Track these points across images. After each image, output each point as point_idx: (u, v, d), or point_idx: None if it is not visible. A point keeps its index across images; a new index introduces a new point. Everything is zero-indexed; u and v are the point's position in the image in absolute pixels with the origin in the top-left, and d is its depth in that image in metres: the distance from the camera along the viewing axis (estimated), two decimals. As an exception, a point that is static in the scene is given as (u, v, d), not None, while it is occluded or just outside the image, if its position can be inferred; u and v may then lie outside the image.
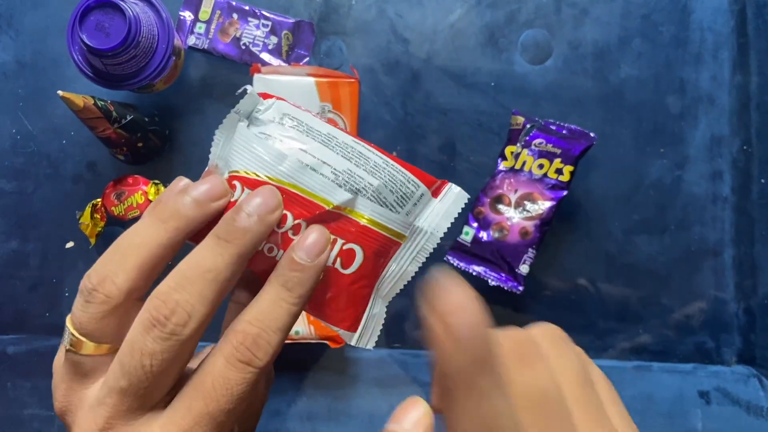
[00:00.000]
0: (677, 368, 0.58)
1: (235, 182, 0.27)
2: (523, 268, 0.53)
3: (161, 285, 0.24)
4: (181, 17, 0.59)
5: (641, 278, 0.58)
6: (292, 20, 0.59)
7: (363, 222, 0.27)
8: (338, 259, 0.27)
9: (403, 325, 0.58)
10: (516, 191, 0.54)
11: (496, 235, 0.54)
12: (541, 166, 0.53)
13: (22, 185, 0.59)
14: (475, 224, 0.54)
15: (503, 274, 0.53)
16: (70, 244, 0.59)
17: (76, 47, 0.51)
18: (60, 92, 0.46)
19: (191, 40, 0.59)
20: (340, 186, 0.27)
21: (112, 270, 0.24)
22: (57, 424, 0.56)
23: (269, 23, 0.59)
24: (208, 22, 0.59)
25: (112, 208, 0.56)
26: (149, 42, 0.50)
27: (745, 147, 0.59)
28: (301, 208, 0.27)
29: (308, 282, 0.25)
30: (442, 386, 0.21)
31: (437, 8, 0.60)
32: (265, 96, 0.29)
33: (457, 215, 0.29)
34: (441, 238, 0.29)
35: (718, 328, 0.58)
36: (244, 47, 0.59)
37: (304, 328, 0.53)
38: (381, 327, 0.29)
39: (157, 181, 0.57)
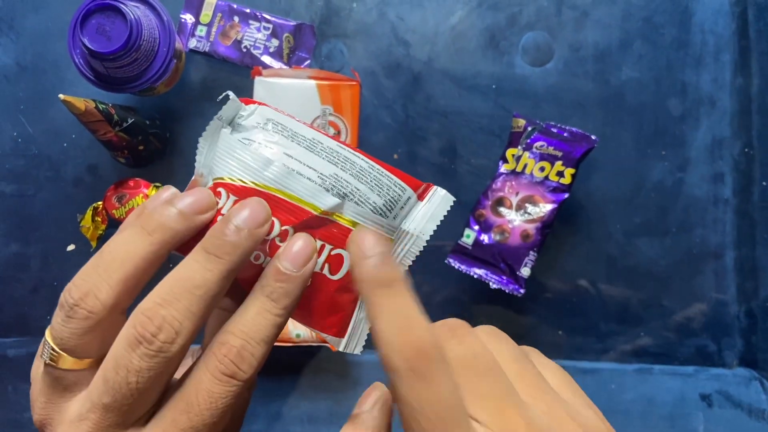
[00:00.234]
0: (678, 371, 0.58)
1: (220, 189, 0.26)
2: (525, 271, 0.53)
3: (146, 300, 0.24)
4: (182, 20, 0.59)
5: (642, 280, 0.58)
6: (293, 23, 0.59)
7: (350, 227, 0.27)
8: (326, 265, 0.27)
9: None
10: (517, 194, 0.54)
11: (498, 237, 0.53)
12: (542, 169, 0.53)
13: (23, 188, 0.59)
14: (477, 227, 0.54)
15: (504, 277, 0.53)
16: (71, 247, 0.59)
17: (77, 50, 0.51)
18: (61, 96, 0.46)
19: (192, 43, 0.59)
20: (328, 190, 0.27)
21: (95, 284, 0.24)
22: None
23: (270, 26, 0.59)
24: (209, 25, 0.59)
25: (114, 211, 0.56)
26: (150, 45, 0.50)
27: (746, 149, 0.59)
28: (289, 214, 0.26)
29: (294, 292, 0.25)
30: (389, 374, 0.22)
31: (438, 11, 0.60)
32: (248, 101, 0.28)
33: (442, 218, 0.29)
34: (428, 241, 0.29)
35: (719, 330, 0.58)
36: (245, 50, 0.59)
37: (305, 331, 0.53)
38: (368, 331, 0.28)
39: (158, 184, 0.57)
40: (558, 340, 0.58)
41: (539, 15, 0.60)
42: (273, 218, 0.26)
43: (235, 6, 0.59)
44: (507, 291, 0.53)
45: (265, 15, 0.59)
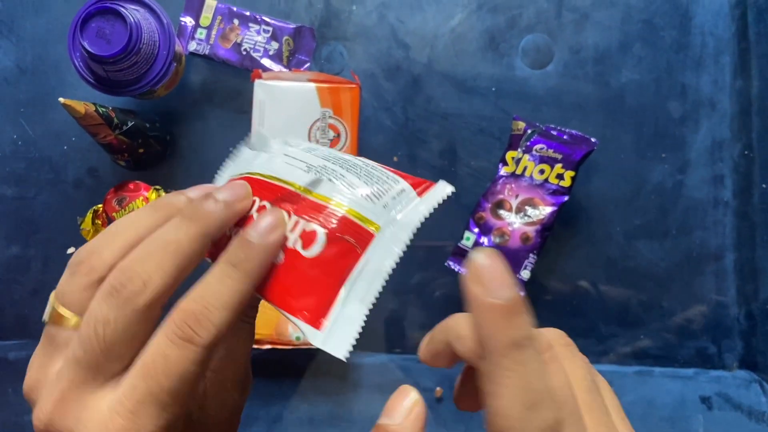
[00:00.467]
0: (679, 373, 0.58)
1: None
2: (524, 274, 0.53)
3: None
4: (182, 23, 0.59)
5: (642, 282, 0.58)
6: (292, 26, 0.59)
7: (330, 205, 0.26)
8: (299, 241, 0.26)
9: (404, 330, 0.58)
10: (517, 196, 0.54)
11: (497, 240, 0.54)
12: (542, 171, 0.53)
13: (23, 191, 0.59)
14: (476, 229, 0.54)
15: (504, 280, 0.53)
16: (71, 250, 0.59)
17: (77, 53, 0.51)
18: (61, 99, 0.46)
19: (192, 46, 0.59)
20: (308, 172, 0.27)
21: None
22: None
23: (270, 29, 0.59)
24: (209, 28, 0.59)
25: (114, 214, 0.56)
26: (150, 48, 0.50)
27: (746, 151, 0.59)
28: (269, 192, 0.27)
29: (255, 259, 0.25)
30: (482, 352, 0.22)
31: (438, 13, 0.60)
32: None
33: (437, 205, 0.27)
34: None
35: (719, 332, 0.58)
36: (245, 53, 0.59)
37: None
38: (357, 334, 0.25)
39: (158, 187, 0.57)
40: (558, 343, 0.58)
41: (539, 17, 0.60)
42: (255, 197, 0.27)
43: (234, 9, 0.59)
44: (507, 293, 0.53)
45: (264, 18, 0.59)
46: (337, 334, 0.25)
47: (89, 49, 0.47)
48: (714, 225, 0.59)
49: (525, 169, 0.54)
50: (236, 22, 0.59)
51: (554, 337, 0.25)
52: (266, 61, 0.59)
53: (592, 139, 0.53)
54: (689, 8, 0.60)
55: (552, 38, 0.60)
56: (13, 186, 0.59)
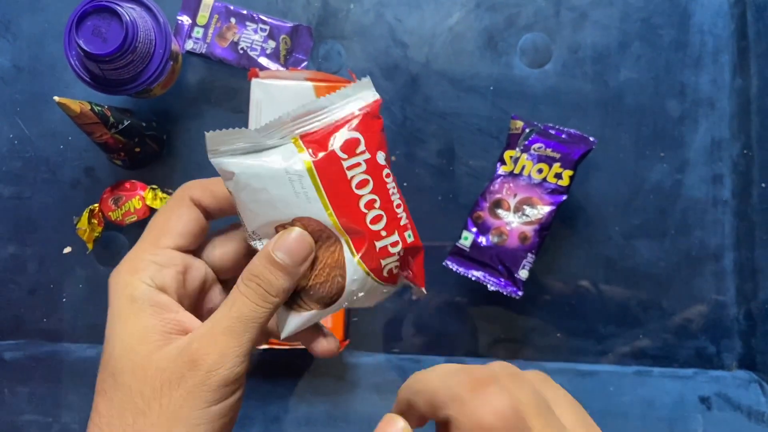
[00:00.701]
0: (678, 373, 0.57)
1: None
2: (523, 273, 0.53)
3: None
4: (179, 21, 0.59)
5: (641, 282, 0.58)
6: (290, 24, 0.59)
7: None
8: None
9: (402, 330, 0.57)
10: (515, 196, 0.54)
11: (495, 239, 0.53)
12: (540, 171, 0.53)
13: (19, 190, 0.59)
14: (474, 229, 0.54)
15: (502, 279, 0.53)
16: (67, 250, 0.59)
17: (73, 52, 0.51)
18: (56, 98, 0.46)
19: (189, 45, 0.59)
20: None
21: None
22: (54, 430, 0.56)
23: (267, 27, 0.59)
24: (206, 27, 0.59)
25: (110, 213, 0.55)
26: (146, 47, 0.50)
27: (745, 151, 0.59)
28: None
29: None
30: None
31: (436, 12, 0.60)
32: None
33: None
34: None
35: (718, 332, 0.58)
36: (242, 52, 0.59)
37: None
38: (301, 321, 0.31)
39: (154, 186, 0.57)
40: (556, 342, 0.58)
41: (537, 16, 0.60)
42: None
43: (232, 7, 0.59)
44: (505, 293, 0.53)
45: (262, 16, 0.59)
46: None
47: (85, 48, 0.47)
48: (713, 225, 0.59)
49: (523, 168, 0.54)
50: (233, 20, 0.59)
51: (499, 367, 0.25)
52: (263, 60, 0.59)
53: (591, 139, 0.53)
54: (688, 7, 0.60)
55: (550, 37, 0.60)
56: (9, 185, 0.59)
